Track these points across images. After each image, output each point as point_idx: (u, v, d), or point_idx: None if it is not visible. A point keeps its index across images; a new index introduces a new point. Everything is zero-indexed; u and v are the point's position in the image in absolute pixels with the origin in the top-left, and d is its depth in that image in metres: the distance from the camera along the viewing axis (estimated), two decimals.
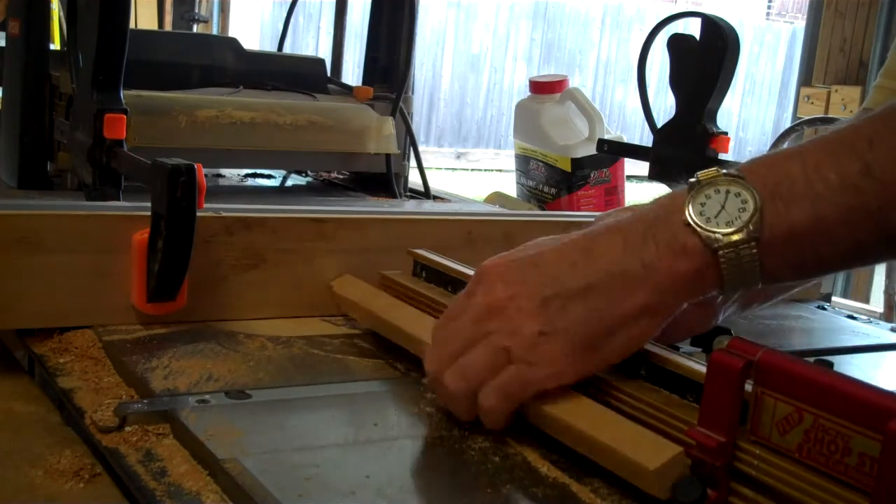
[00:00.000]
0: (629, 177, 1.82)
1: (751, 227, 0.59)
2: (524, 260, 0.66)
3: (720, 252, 0.59)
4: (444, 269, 0.86)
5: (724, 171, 0.61)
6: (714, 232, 0.59)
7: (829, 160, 0.58)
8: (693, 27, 1.43)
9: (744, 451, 0.54)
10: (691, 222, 0.60)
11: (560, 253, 0.65)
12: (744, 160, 0.65)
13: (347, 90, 1.66)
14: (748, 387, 0.53)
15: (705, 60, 1.38)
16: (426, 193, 1.64)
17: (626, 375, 0.65)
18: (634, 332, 0.63)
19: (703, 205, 0.60)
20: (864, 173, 0.57)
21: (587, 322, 0.62)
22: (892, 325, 1.18)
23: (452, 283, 0.85)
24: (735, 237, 0.59)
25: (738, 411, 0.54)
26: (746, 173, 0.61)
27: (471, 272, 0.77)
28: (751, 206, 0.59)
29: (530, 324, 0.62)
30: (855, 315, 1.18)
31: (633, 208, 0.71)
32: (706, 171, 0.62)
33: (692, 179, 0.62)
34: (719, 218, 0.59)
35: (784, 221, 0.59)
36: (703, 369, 0.57)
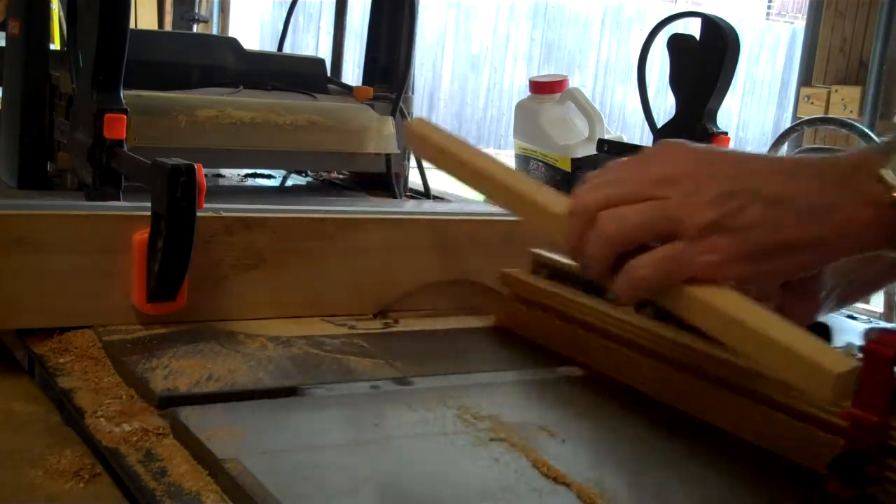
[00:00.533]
0: None
1: None
2: (715, 150, 0.66)
3: None
4: (566, 267, 0.88)
5: None
6: None
7: None
8: (693, 27, 1.43)
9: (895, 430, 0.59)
10: (885, 178, 0.61)
11: (757, 159, 0.65)
12: None
13: (347, 90, 1.66)
14: None
15: (705, 60, 1.38)
16: (426, 193, 1.64)
17: None
18: (797, 260, 0.63)
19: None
20: None
21: (762, 231, 0.62)
22: (893, 325, 1.18)
23: (573, 280, 0.87)
24: None
25: (890, 395, 0.59)
26: None
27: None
28: None
29: (707, 210, 0.61)
30: (855, 315, 1.18)
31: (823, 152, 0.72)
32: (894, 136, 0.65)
33: (887, 139, 0.64)
34: None
35: None
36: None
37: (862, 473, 0.59)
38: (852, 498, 0.59)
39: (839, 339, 1.09)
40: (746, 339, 0.60)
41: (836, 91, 3.70)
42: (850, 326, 1.14)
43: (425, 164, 1.66)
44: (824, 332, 0.73)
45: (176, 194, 0.77)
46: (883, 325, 0.76)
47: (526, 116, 1.83)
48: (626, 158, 0.67)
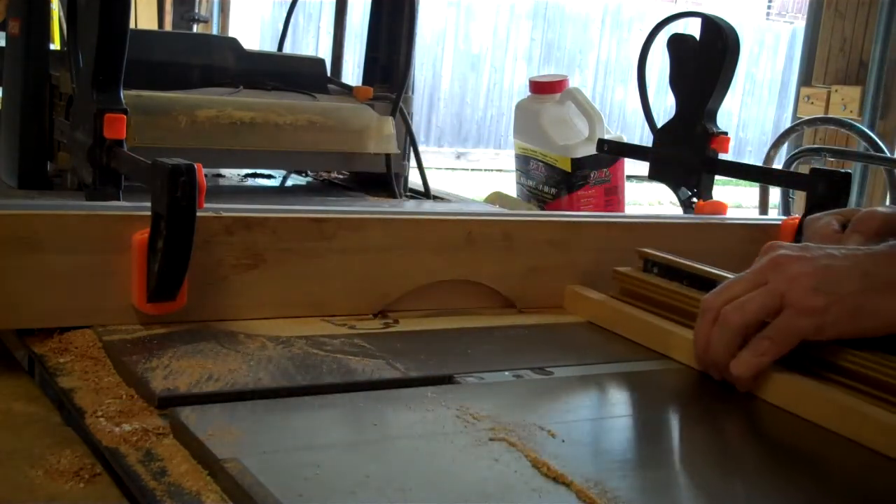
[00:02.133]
0: (629, 177, 1.82)
1: None
2: (809, 255, 0.78)
3: None
4: (678, 265, 0.96)
5: None
6: None
7: None
8: (693, 27, 1.43)
9: None
10: None
11: (842, 257, 0.77)
12: (744, 160, 0.69)
13: (347, 90, 1.67)
14: None
15: (705, 60, 1.38)
16: (426, 193, 1.64)
17: (886, 352, 0.75)
18: (894, 317, 0.74)
19: None
20: None
21: (858, 293, 0.74)
22: None
23: (687, 277, 0.94)
24: None
25: None
26: None
27: (703, 267, 0.93)
28: None
29: (807, 279, 0.75)
30: None
31: (892, 216, 0.91)
32: None
33: None
34: None
35: None
36: None
37: None
38: None
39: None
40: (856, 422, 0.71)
41: (836, 91, 3.70)
42: None
43: (425, 164, 1.67)
44: None
45: (176, 194, 0.77)
46: None
47: (526, 116, 1.83)
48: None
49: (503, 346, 0.89)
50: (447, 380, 0.78)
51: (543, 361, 0.84)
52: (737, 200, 7.52)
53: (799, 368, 0.78)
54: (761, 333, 0.76)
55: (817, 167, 1.25)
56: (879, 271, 0.75)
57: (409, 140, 1.63)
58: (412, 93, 1.69)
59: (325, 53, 1.94)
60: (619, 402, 0.82)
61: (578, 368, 0.84)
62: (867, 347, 0.76)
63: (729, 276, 0.85)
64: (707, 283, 0.90)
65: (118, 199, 1.08)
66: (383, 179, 1.61)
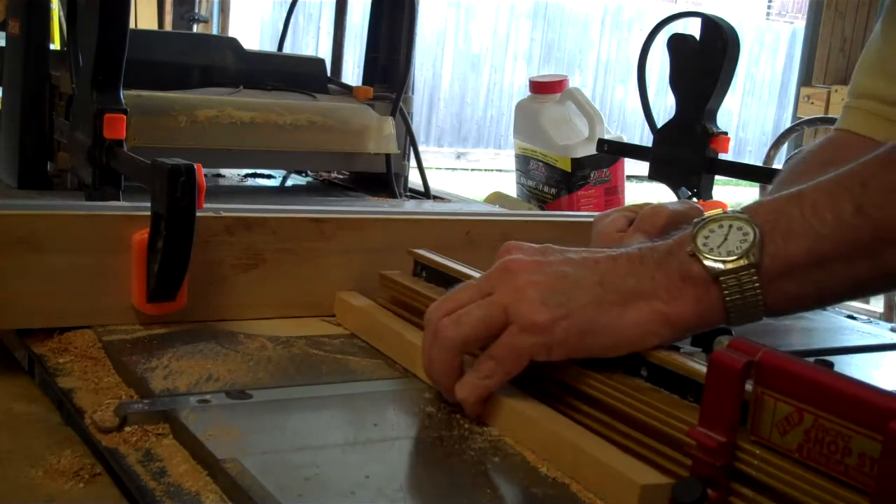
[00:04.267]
0: (629, 177, 1.82)
1: (751, 256, 0.63)
2: (543, 261, 0.68)
3: (722, 278, 0.63)
4: (445, 268, 0.85)
5: (730, 210, 0.67)
6: (716, 259, 0.63)
7: (826, 200, 0.62)
8: (693, 27, 1.43)
9: (744, 452, 0.54)
10: (696, 252, 0.64)
11: (579, 263, 0.67)
12: (744, 160, 0.67)
13: (347, 90, 1.67)
14: (748, 387, 0.54)
15: (705, 60, 1.38)
16: (426, 193, 1.64)
17: (627, 374, 0.65)
18: (634, 333, 0.65)
19: (707, 237, 0.65)
20: (857, 212, 0.61)
21: (590, 307, 0.64)
22: (892, 325, 1.18)
23: (453, 282, 0.83)
24: (736, 264, 0.63)
25: (738, 411, 0.54)
26: (749, 212, 0.65)
27: (471, 272, 0.79)
28: (751, 237, 0.63)
29: (535, 289, 0.64)
30: (855, 315, 1.18)
31: (679, 213, 0.81)
32: (712, 211, 0.68)
33: (698, 219, 0.67)
34: (722, 248, 0.64)
35: (783, 254, 0.63)
36: (704, 369, 0.58)
37: (704, 499, 0.53)
38: None
39: (835, 340, 1.09)
40: (561, 452, 0.61)
41: (836, 91, 3.71)
42: (851, 326, 1.14)
43: (425, 164, 1.67)
44: (728, 336, 0.71)
45: (176, 194, 0.77)
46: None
47: (526, 116, 1.84)
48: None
49: None
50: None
51: None
52: (737, 200, 7.51)
53: (541, 392, 0.69)
54: (486, 352, 0.66)
55: None
56: (616, 279, 0.65)
57: (409, 140, 1.63)
58: (412, 93, 1.69)
59: (325, 53, 1.94)
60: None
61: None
62: (610, 368, 0.66)
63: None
64: None
65: (118, 199, 1.08)
66: (383, 179, 1.61)
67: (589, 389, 0.66)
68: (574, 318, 0.64)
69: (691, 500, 0.53)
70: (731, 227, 0.64)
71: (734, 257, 0.63)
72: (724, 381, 0.54)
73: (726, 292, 0.63)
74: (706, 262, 0.63)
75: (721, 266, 0.63)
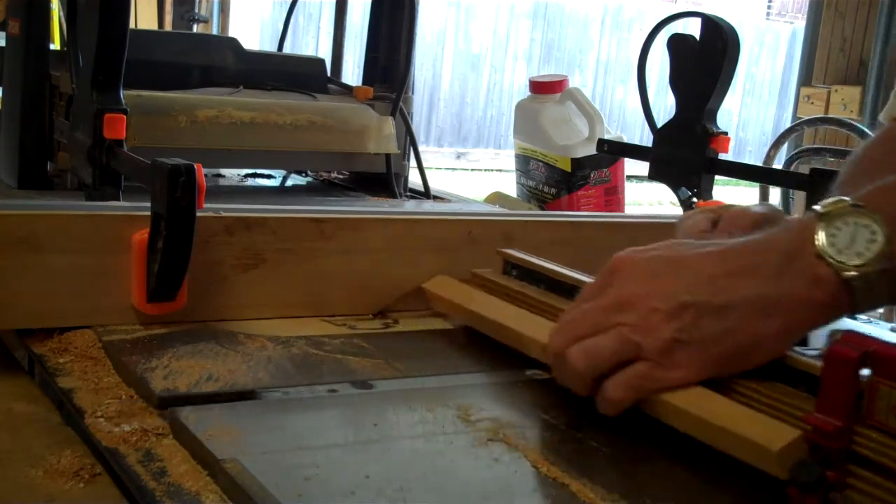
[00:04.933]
0: (629, 177, 1.82)
1: (881, 259, 0.63)
2: (661, 259, 0.68)
3: (853, 283, 0.63)
4: (537, 267, 0.89)
5: (849, 201, 0.65)
6: (845, 264, 0.63)
7: None
8: (693, 27, 1.43)
9: (860, 435, 0.57)
10: (824, 255, 0.64)
11: (699, 262, 0.67)
12: (744, 160, 0.66)
13: (347, 90, 1.67)
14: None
15: (705, 60, 1.38)
16: (426, 193, 1.64)
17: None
18: (766, 351, 0.66)
19: (833, 236, 0.64)
20: None
21: (722, 341, 0.65)
22: (892, 325, 1.18)
23: (546, 281, 0.88)
24: (866, 269, 0.63)
25: (854, 399, 0.57)
26: (867, 202, 0.64)
27: (562, 270, 0.86)
28: (879, 238, 0.63)
29: (664, 328, 0.65)
30: (855, 315, 1.18)
31: (763, 216, 0.78)
32: (831, 201, 0.66)
33: (818, 209, 0.66)
34: (850, 250, 0.63)
35: None
36: (815, 363, 0.63)
37: (823, 481, 0.56)
38: None
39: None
40: (701, 430, 0.64)
41: (836, 91, 3.70)
42: (850, 326, 1.14)
43: (425, 164, 1.67)
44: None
45: (176, 194, 0.77)
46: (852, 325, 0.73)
47: (526, 116, 1.84)
48: (588, 284, 0.72)
49: (502, 346, 0.89)
50: (446, 380, 0.77)
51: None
52: (737, 200, 7.52)
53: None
54: (612, 383, 0.66)
55: (817, 167, 1.25)
56: (738, 298, 0.65)
57: (409, 140, 1.63)
58: (412, 93, 1.69)
59: (325, 53, 1.94)
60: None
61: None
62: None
63: (588, 279, 0.75)
64: (566, 287, 0.84)
65: (118, 199, 1.08)
66: (383, 179, 1.61)
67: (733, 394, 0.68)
68: (707, 349, 0.65)
69: (810, 480, 0.56)
70: (856, 225, 0.64)
71: (863, 261, 0.63)
72: (841, 371, 0.57)
73: (856, 294, 0.63)
74: (835, 266, 0.63)
75: (852, 270, 0.63)
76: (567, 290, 0.84)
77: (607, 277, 0.69)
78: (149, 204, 0.80)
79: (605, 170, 1.75)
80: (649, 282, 0.67)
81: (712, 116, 1.39)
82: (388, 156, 1.58)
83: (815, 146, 3.34)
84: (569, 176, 1.74)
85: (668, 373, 0.65)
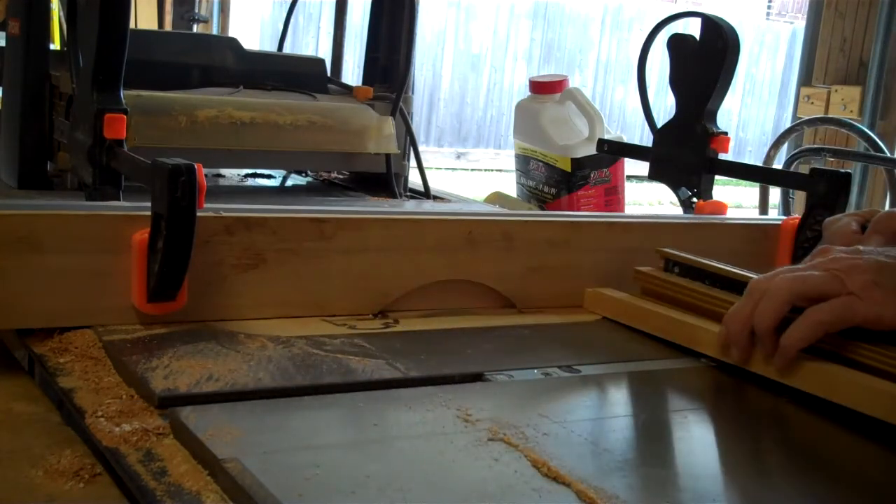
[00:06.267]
0: (629, 177, 1.82)
1: None
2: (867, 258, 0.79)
3: None
4: (699, 264, 0.97)
5: None
6: None
7: None
8: (693, 27, 1.43)
9: None
10: None
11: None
12: (744, 160, 0.69)
13: (347, 90, 1.67)
14: None
15: (705, 60, 1.38)
16: (426, 193, 1.64)
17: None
18: None
19: None
20: None
21: None
22: None
23: (709, 277, 0.95)
24: None
25: None
26: None
27: (725, 267, 0.94)
28: None
29: (866, 273, 0.76)
30: None
31: None
32: None
33: None
34: None
35: None
36: None
37: None
38: None
39: None
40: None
41: (836, 91, 3.70)
42: None
43: (425, 164, 1.67)
44: None
45: (176, 194, 0.77)
46: None
47: (526, 116, 1.83)
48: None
49: (502, 346, 0.89)
50: (477, 378, 0.79)
51: (550, 361, 0.84)
52: (737, 200, 7.52)
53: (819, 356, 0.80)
54: (817, 306, 0.76)
55: (817, 167, 1.25)
56: None
57: (409, 140, 1.63)
58: (412, 93, 1.69)
59: (325, 53, 1.94)
60: (622, 401, 0.82)
61: (602, 367, 0.86)
62: (876, 341, 0.77)
63: (752, 275, 0.85)
64: (730, 282, 0.91)
65: (118, 199, 1.08)
66: (383, 179, 1.61)
67: (863, 359, 0.77)
68: None
69: None
70: None
71: None
72: None
73: None
74: None
75: None
76: (731, 284, 0.91)
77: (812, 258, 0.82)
78: (149, 204, 0.80)
79: (605, 170, 1.75)
80: (851, 255, 0.79)
81: (712, 116, 1.39)
82: (388, 156, 1.58)
83: (815, 146, 3.34)
84: (569, 176, 1.74)
85: (868, 307, 0.75)
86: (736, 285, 0.89)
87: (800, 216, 1.17)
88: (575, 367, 0.83)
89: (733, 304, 0.83)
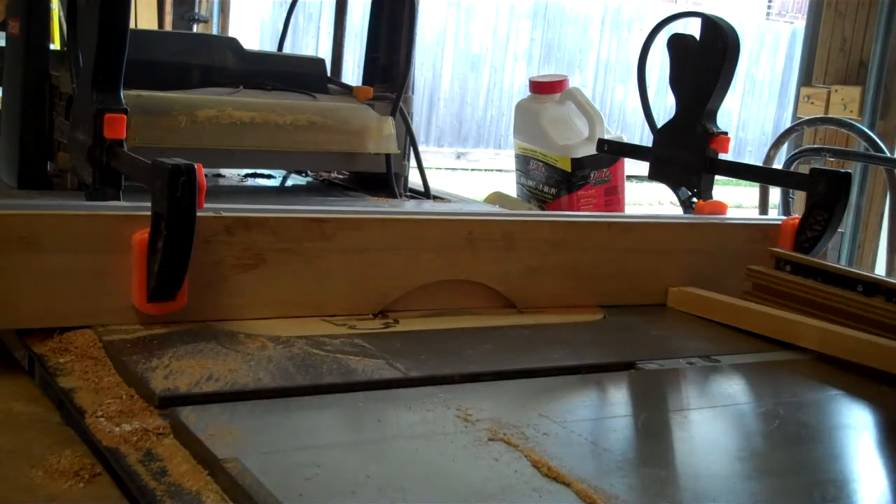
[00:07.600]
0: (629, 177, 1.82)
1: None
2: None
3: None
4: (810, 262, 1.04)
5: None
6: None
7: None
8: (693, 27, 1.43)
9: None
10: None
11: None
12: (744, 160, 0.68)
13: (347, 90, 1.66)
14: None
15: (705, 60, 1.38)
16: (426, 193, 1.64)
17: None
18: None
19: None
20: None
21: None
22: None
23: (821, 274, 1.01)
24: None
25: None
26: None
27: (836, 265, 0.98)
28: None
29: None
30: None
31: None
32: None
33: None
34: None
35: None
36: None
37: None
38: None
39: None
40: None
41: (836, 91, 3.70)
42: None
43: (425, 164, 1.67)
44: None
45: (176, 194, 0.77)
46: None
47: (526, 116, 1.83)
48: None
49: (502, 346, 0.89)
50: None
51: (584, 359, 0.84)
52: (737, 200, 7.52)
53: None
54: None
55: (817, 167, 1.25)
56: None
57: (409, 140, 1.63)
58: (412, 93, 1.69)
59: (325, 53, 1.94)
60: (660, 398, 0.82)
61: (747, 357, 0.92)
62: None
63: (862, 272, 0.91)
64: (843, 279, 0.97)
65: (118, 199, 1.08)
66: (383, 179, 1.61)
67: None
68: None
69: None
70: None
71: None
72: None
73: None
74: None
75: None
76: (842, 281, 0.97)
77: None
78: (149, 204, 0.80)
79: (605, 170, 1.75)
80: None
81: (712, 116, 1.39)
82: (388, 156, 1.58)
83: (815, 146, 3.34)
84: (569, 176, 1.74)
85: None
86: (847, 282, 0.96)
87: (800, 216, 1.17)
88: (714, 356, 0.90)
89: (845, 298, 0.89)
